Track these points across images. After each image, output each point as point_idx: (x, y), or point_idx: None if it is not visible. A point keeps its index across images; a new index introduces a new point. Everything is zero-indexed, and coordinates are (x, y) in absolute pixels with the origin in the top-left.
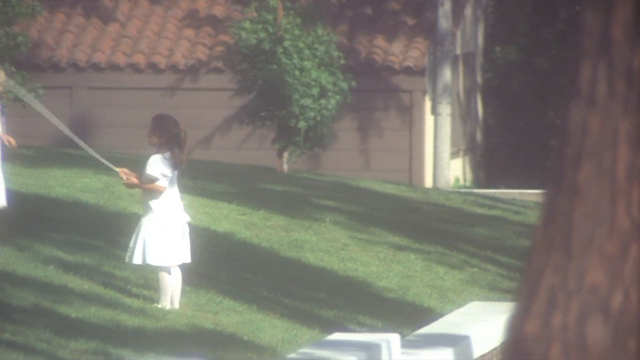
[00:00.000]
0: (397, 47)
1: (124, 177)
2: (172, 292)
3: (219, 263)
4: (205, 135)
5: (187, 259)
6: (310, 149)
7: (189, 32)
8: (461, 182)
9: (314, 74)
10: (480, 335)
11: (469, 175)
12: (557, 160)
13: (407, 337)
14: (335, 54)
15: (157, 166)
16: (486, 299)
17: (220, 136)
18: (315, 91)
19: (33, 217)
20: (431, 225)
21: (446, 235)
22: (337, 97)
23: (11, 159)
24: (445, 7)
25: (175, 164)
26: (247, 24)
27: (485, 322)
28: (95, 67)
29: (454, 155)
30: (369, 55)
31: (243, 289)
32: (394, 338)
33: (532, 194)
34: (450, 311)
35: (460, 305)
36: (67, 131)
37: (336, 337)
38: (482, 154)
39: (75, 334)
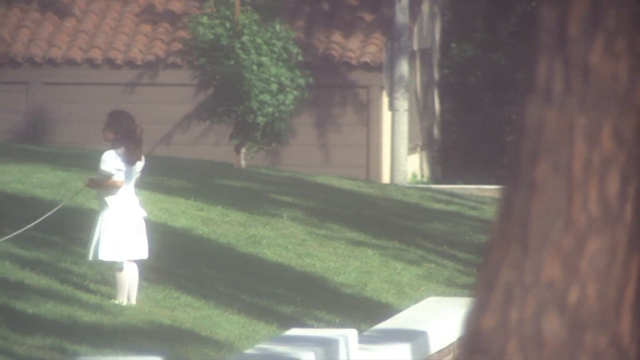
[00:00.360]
0: (354, 43)
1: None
2: (128, 288)
3: (176, 259)
4: (164, 131)
5: (144, 254)
6: (268, 145)
7: (146, 28)
8: (418, 178)
9: (273, 70)
10: (437, 330)
11: (426, 171)
12: (513, 156)
13: (365, 333)
14: (294, 50)
15: (111, 162)
16: (443, 294)
17: (180, 132)
18: (274, 87)
19: None
20: (388, 220)
21: (403, 230)
22: (295, 92)
23: None
24: (403, 3)
25: (129, 159)
26: (204, 20)
27: (442, 317)
28: (52, 63)
29: (411, 150)
30: (326, 51)
31: (200, 285)
32: (352, 333)
33: (489, 190)
34: (408, 306)
35: (417, 301)
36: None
37: (294, 332)
38: (439, 150)
39: (32, 330)
